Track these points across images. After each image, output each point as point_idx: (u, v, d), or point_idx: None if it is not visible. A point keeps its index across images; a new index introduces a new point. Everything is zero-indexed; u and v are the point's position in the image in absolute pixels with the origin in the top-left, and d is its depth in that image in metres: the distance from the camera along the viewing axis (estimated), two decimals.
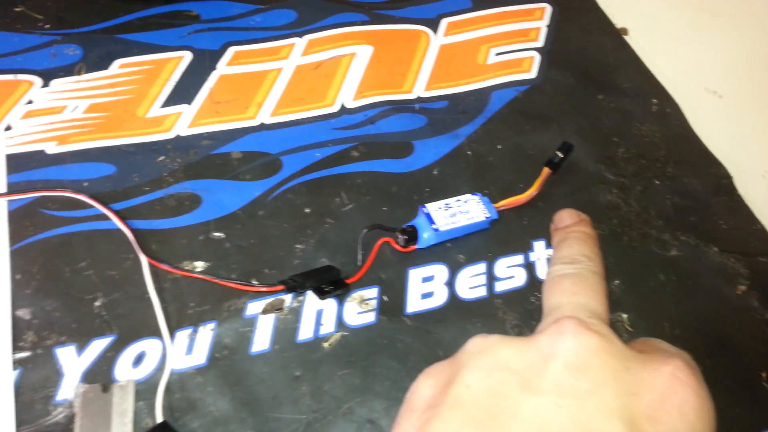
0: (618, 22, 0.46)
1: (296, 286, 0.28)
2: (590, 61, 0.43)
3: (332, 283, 0.29)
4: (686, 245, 0.34)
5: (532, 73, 0.41)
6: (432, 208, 0.32)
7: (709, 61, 0.46)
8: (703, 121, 0.40)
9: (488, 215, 0.32)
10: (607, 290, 0.24)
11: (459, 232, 0.32)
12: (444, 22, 0.44)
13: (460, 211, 0.32)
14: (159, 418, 0.25)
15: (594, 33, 0.45)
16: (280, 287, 0.28)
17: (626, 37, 0.45)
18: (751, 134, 0.41)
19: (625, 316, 0.31)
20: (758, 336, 0.31)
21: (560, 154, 0.34)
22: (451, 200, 0.32)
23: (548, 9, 0.46)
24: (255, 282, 0.29)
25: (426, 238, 0.31)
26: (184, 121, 0.35)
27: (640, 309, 0.31)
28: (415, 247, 0.31)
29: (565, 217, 0.29)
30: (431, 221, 0.31)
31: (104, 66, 0.38)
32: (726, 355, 0.30)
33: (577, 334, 0.19)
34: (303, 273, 0.29)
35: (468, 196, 0.33)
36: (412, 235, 0.31)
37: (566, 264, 0.25)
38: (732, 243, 0.34)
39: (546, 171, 0.34)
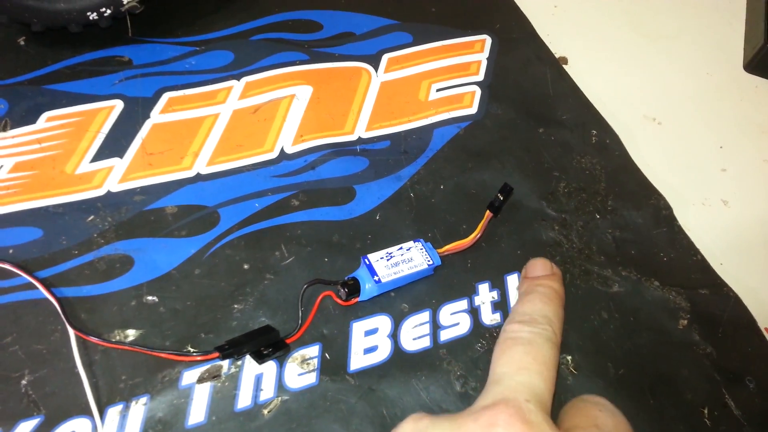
0: (558, 51, 0.47)
1: (233, 351, 0.27)
2: (531, 93, 0.43)
3: (271, 345, 0.28)
4: (628, 280, 0.34)
5: (473, 109, 0.41)
6: (374, 258, 0.31)
7: (648, 87, 0.46)
8: (643, 150, 0.41)
9: (431, 262, 0.32)
10: (558, 361, 0.24)
11: (402, 282, 0.31)
12: (385, 58, 0.44)
13: (403, 260, 0.31)
14: None
15: (534, 64, 0.45)
16: (216, 354, 0.27)
17: (566, 67, 0.46)
18: (690, 161, 0.42)
19: (569, 358, 0.31)
20: (700, 371, 0.31)
21: (501, 197, 0.34)
22: (393, 249, 0.32)
23: (488, 41, 0.46)
24: (189, 349, 0.28)
25: (368, 290, 0.31)
26: (115, 176, 0.34)
27: (583, 349, 0.31)
28: (358, 299, 0.31)
29: (538, 268, 0.29)
30: (373, 273, 0.31)
31: (31, 120, 0.36)
32: (668, 392, 0.30)
33: (507, 428, 0.19)
34: (240, 336, 0.28)
35: (410, 243, 0.32)
36: (354, 288, 0.30)
37: (523, 324, 0.25)
38: (673, 276, 0.35)
39: (488, 214, 0.34)
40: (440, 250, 0.33)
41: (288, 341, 0.29)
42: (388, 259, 0.31)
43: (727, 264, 0.36)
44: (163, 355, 0.27)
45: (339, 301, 0.31)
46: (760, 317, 0.34)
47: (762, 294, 0.36)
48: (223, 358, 0.27)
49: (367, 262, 0.31)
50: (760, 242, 0.38)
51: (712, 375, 0.32)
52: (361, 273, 0.31)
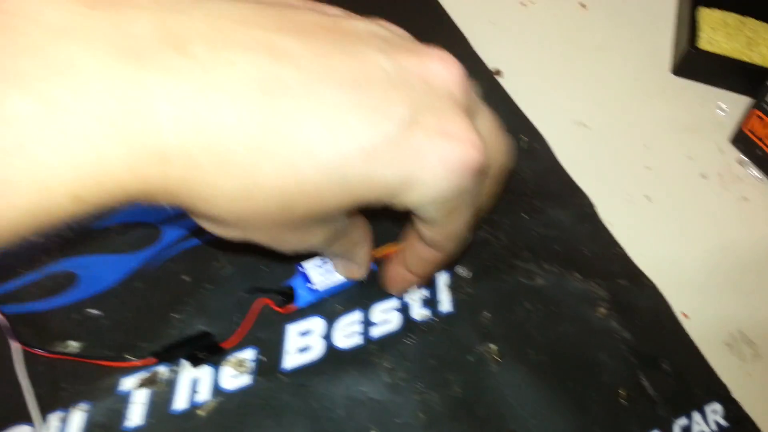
0: (491, 64, 0.49)
1: (169, 356, 0.29)
2: None
3: (206, 349, 0.30)
4: (551, 274, 0.36)
5: None
6: (309, 266, 0.33)
7: (578, 94, 0.49)
8: (570, 153, 0.43)
9: None
10: None
11: (337, 289, 0.33)
12: None
13: None
14: None
15: (469, 77, 0.48)
16: (153, 360, 0.29)
17: (500, 78, 0.48)
18: (616, 160, 0.44)
19: (494, 347, 0.33)
20: (617, 355, 0.33)
21: None
22: None
23: None
24: (127, 357, 0.30)
25: (303, 297, 0.32)
26: None
27: (507, 339, 0.33)
28: (294, 306, 0.32)
29: None
30: (307, 280, 0.32)
31: None
32: (587, 376, 0.32)
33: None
34: (177, 342, 0.30)
35: None
36: (289, 295, 0.32)
37: None
38: (594, 268, 0.37)
39: None
40: (374, 253, 0.34)
41: (223, 345, 0.30)
42: (323, 265, 0.33)
43: (647, 255, 0.39)
44: (102, 362, 0.29)
45: (276, 308, 0.32)
46: (677, 303, 0.36)
47: (679, 281, 0.38)
48: (160, 362, 0.29)
49: (302, 270, 0.33)
50: (679, 233, 0.41)
51: (628, 359, 0.34)
52: (297, 281, 0.33)
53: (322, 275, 0.33)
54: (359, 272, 0.32)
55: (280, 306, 0.32)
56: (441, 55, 0.23)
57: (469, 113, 0.23)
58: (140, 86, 0.17)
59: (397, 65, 0.21)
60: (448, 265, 0.34)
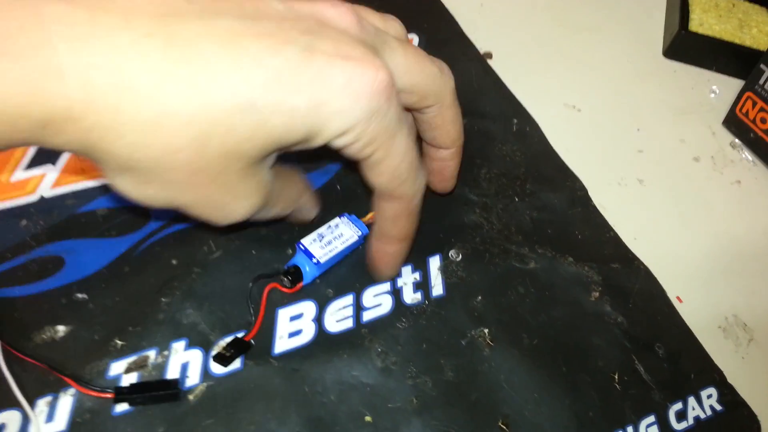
0: (482, 47, 0.49)
1: (129, 397, 0.27)
2: (456, 88, 0.45)
3: (233, 346, 0.29)
4: (544, 257, 0.36)
5: None
6: (307, 242, 0.33)
7: (569, 77, 0.48)
8: (562, 136, 0.43)
9: (360, 233, 0.33)
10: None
11: (338, 257, 0.33)
12: None
13: (334, 237, 0.33)
14: None
15: (460, 60, 0.47)
16: (111, 394, 0.27)
17: (490, 61, 0.48)
18: (608, 144, 0.44)
19: (486, 330, 0.33)
20: (610, 339, 0.33)
21: None
22: (322, 228, 0.33)
23: (416, 39, 0.48)
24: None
25: (309, 272, 0.32)
26: (48, 182, 0.35)
27: (500, 323, 0.33)
28: (302, 284, 0.32)
29: None
30: (311, 256, 0.32)
31: None
32: (580, 360, 0.32)
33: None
34: (140, 383, 0.28)
35: (337, 219, 0.34)
36: (297, 274, 0.32)
37: None
38: (586, 252, 0.37)
39: None
40: (364, 219, 0.34)
41: (247, 338, 0.30)
42: (320, 240, 0.33)
43: (640, 239, 0.38)
44: (62, 377, 0.27)
45: (284, 289, 0.32)
46: (671, 287, 0.36)
47: (673, 265, 0.38)
48: (116, 401, 0.27)
49: (303, 247, 0.32)
50: (672, 217, 0.41)
51: (622, 343, 0.34)
52: (299, 259, 0.32)
53: (322, 248, 0.32)
54: (310, 215, 0.33)
55: (289, 287, 0.32)
56: (333, 3, 0.24)
57: (370, 47, 0.23)
58: (35, 12, 0.18)
59: (290, 7, 0.22)
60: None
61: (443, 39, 0.49)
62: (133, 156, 0.20)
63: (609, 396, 0.31)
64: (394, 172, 0.25)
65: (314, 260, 0.32)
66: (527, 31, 0.51)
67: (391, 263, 0.32)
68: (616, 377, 0.32)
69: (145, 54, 0.19)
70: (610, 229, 0.38)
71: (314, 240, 0.33)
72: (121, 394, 0.27)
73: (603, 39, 0.52)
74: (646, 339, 0.34)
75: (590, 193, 0.40)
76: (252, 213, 0.25)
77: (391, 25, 0.28)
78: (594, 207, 0.39)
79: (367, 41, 0.24)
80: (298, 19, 0.22)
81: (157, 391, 0.28)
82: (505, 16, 0.52)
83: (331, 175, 0.38)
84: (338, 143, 0.23)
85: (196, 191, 0.22)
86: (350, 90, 0.21)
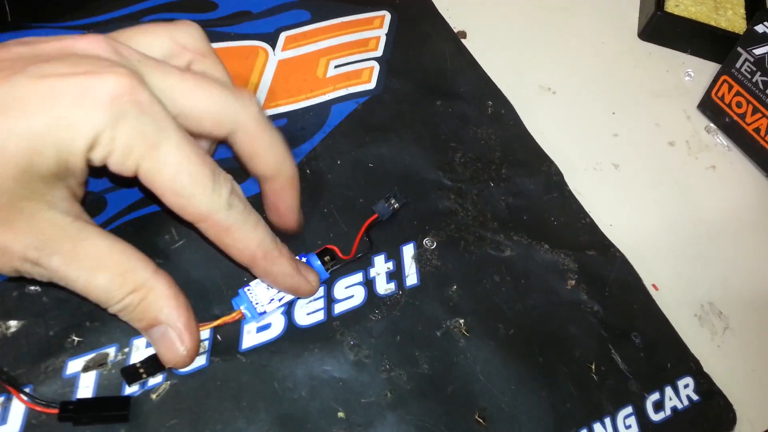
0: (456, 26, 0.47)
1: (75, 415, 0.25)
2: (429, 67, 0.44)
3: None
4: (519, 245, 0.35)
5: (372, 84, 0.42)
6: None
7: (544, 58, 0.47)
8: (537, 119, 0.42)
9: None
10: None
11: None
12: (282, 36, 0.43)
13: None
14: None
15: (433, 39, 0.46)
16: (55, 410, 0.25)
17: (464, 41, 0.47)
18: (583, 127, 0.43)
19: (461, 321, 0.32)
20: (587, 328, 0.33)
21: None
22: None
23: (388, 17, 0.46)
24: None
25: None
26: None
27: (476, 312, 0.32)
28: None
29: None
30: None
31: None
32: (557, 350, 0.32)
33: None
34: (90, 400, 0.26)
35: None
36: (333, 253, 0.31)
37: None
38: (562, 239, 0.36)
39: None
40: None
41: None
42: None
43: (615, 225, 0.38)
44: (8, 387, 0.25)
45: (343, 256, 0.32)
46: (647, 275, 0.36)
47: (649, 252, 0.37)
48: (60, 419, 0.25)
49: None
50: (647, 202, 0.40)
51: (599, 332, 0.33)
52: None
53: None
54: (175, 346, 0.25)
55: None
56: (86, 35, 0.24)
57: (127, 67, 0.23)
58: None
59: (32, 48, 0.23)
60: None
61: (415, 16, 0.47)
62: None
63: (586, 387, 0.31)
64: (174, 185, 0.23)
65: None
66: (502, 10, 0.50)
67: (288, 280, 0.28)
68: (593, 367, 0.32)
69: None
70: (585, 215, 0.38)
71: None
72: (67, 411, 0.25)
73: (578, 19, 0.51)
74: (622, 328, 0.34)
75: (566, 178, 0.39)
76: (21, 257, 0.23)
77: (182, 34, 0.27)
78: (570, 192, 0.38)
79: (124, 64, 0.23)
80: (39, 55, 0.22)
81: (105, 411, 0.26)
82: None
83: (300, 158, 0.37)
84: (96, 157, 0.22)
85: None
86: (87, 100, 0.21)
